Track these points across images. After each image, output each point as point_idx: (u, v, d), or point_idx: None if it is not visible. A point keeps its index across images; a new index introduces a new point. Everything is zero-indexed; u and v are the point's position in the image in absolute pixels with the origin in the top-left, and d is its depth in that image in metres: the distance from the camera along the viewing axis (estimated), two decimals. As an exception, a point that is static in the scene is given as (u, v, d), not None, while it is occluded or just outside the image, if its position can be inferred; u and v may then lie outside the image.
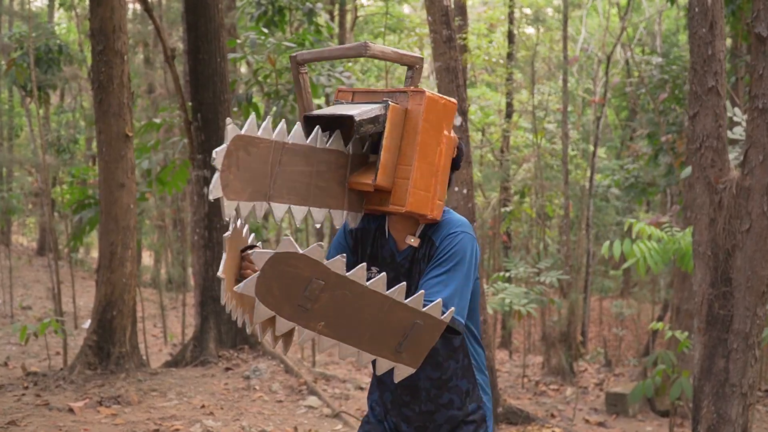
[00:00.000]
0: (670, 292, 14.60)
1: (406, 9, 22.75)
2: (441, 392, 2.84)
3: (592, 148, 15.60)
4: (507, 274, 11.60)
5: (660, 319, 15.00)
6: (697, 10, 5.49)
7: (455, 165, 2.77)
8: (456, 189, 6.97)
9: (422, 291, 2.46)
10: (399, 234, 2.82)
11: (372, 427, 3.04)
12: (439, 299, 2.47)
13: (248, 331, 2.56)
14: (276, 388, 7.90)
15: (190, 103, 8.68)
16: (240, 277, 2.62)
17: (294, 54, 2.78)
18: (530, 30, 22.56)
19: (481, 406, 2.90)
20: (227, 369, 8.31)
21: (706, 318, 5.60)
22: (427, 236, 2.76)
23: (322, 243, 2.61)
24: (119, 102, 7.61)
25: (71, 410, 6.88)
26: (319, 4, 11.09)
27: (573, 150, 16.88)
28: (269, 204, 2.53)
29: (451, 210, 2.82)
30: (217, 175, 2.40)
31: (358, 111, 2.58)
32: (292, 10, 10.96)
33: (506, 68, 17.35)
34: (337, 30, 16.43)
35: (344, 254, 2.39)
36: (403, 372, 2.49)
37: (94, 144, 23.50)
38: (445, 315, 2.46)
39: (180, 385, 7.67)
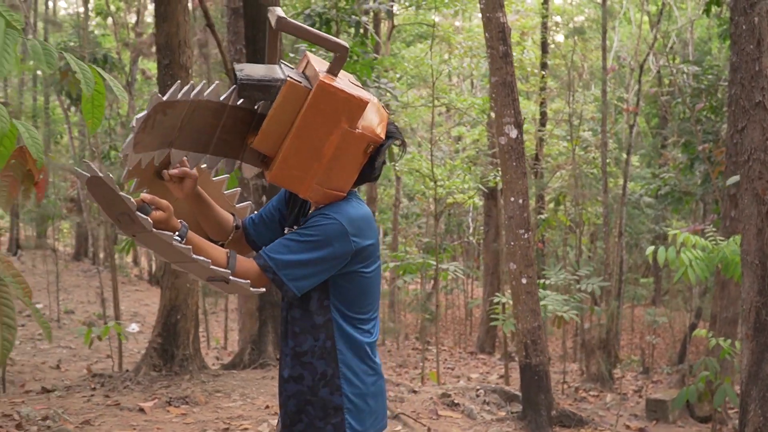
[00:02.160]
0: (704, 300, 14.76)
1: (436, 17, 22.94)
2: (295, 363, 2.84)
3: (624, 156, 15.77)
4: (544, 282, 11.78)
5: (694, 326, 15.13)
6: (744, 27, 5.70)
7: (371, 165, 2.79)
8: (512, 199, 7.20)
9: (227, 251, 2.65)
10: (312, 205, 2.88)
11: None
12: (253, 265, 2.67)
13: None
14: (333, 391, 8.13)
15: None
16: (162, 176, 2.79)
17: (268, 13, 2.81)
18: (560, 38, 22.78)
19: (336, 394, 2.80)
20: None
21: (753, 325, 5.80)
22: (309, 212, 2.85)
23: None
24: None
25: (142, 410, 7.14)
26: (365, 17, 11.36)
27: (606, 158, 17.06)
28: (170, 151, 2.66)
29: (357, 202, 2.83)
30: (131, 135, 2.52)
31: (255, 75, 2.65)
32: (338, 22, 11.22)
33: (540, 77, 17.55)
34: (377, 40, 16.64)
35: (277, 202, 2.84)
36: (219, 289, 2.69)
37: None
38: (224, 271, 2.58)
39: (242, 387, 7.93)
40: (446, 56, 26.56)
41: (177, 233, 2.59)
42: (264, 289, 2.69)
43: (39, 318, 2.32)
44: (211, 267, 2.56)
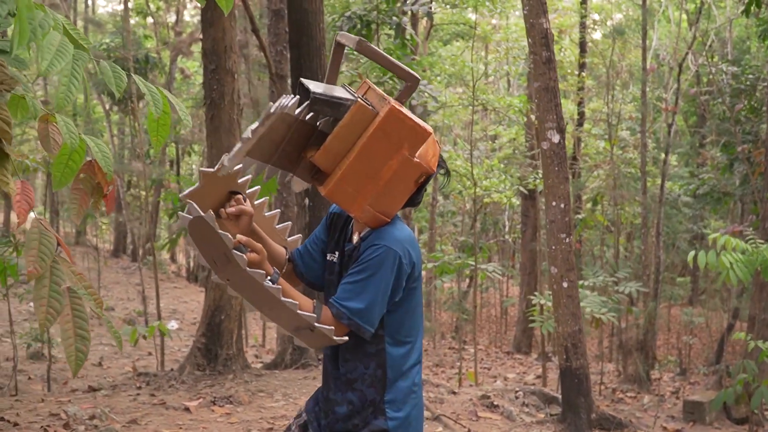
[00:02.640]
0: (741, 300, 14.69)
1: (473, 16, 22.95)
2: (346, 389, 2.91)
3: (663, 155, 15.71)
4: (582, 282, 11.78)
5: (731, 327, 15.07)
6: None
7: (418, 193, 2.87)
8: (554, 203, 7.25)
9: (296, 302, 2.66)
10: (355, 227, 2.97)
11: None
12: (329, 312, 2.74)
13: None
14: (374, 392, 8.23)
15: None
16: (218, 214, 2.87)
17: (338, 36, 2.91)
18: (597, 35, 22.70)
19: (381, 418, 2.88)
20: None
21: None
22: (362, 239, 2.88)
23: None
24: (230, 118, 8.03)
25: (187, 409, 7.27)
26: (405, 19, 11.44)
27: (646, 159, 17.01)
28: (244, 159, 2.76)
29: (401, 225, 2.90)
30: (241, 145, 2.68)
31: (327, 92, 2.73)
32: (378, 24, 11.31)
33: (579, 76, 17.53)
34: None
35: (320, 231, 2.88)
36: (301, 344, 2.77)
37: (168, 150, 24.19)
38: (328, 330, 2.68)
39: (284, 387, 8.04)
40: (482, 54, 26.58)
41: (269, 277, 2.69)
42: (347, 338, 2.78)
43: (111, 329, 2.42)
44: (298, 312, 2.65)
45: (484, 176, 15.99)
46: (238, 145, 2.68)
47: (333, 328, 2.70)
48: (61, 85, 2.35)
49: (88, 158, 2.80)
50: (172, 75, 22.31)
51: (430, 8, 12.69)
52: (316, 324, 2.68)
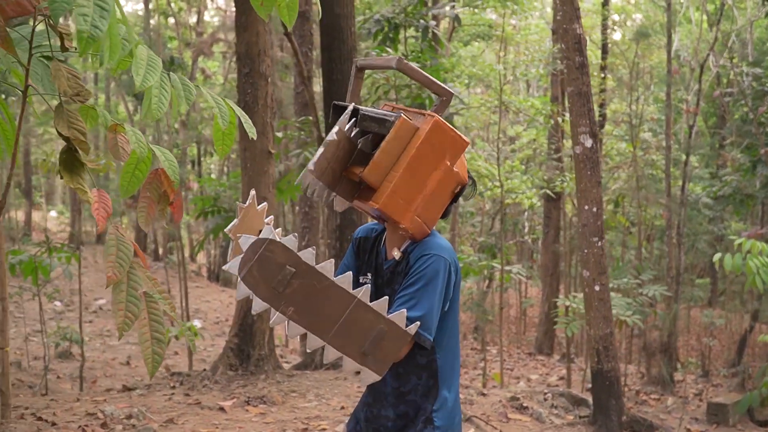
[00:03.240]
0: (762, 302, 14.69)
1: (492, 16, 22.99)
2: (399, 402, 2.95)
3: (684, 157, 15.72)
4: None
5: (751, 329, 15.09)
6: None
7: (451, 204, 2.92)
8: (586, 207, 7.30)
9: (386, 297, 2.66)
10: (390, 245, 3.00)
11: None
12: (404, 309, 2.68)
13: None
14: (406, 392, 8.30)
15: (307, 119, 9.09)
16: None
17: (356, 60, 3.00)
18: (617, 36, 22.69)
19: (429, 427, 2.92)
20: (358, 372, 8.72)
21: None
22: (407, 252, 2.90)
23: (296, 234, 2.79)
24: (263, 121, 8.11)
25: (222, 409, 7.35)
26: (433, 21, 11.50)
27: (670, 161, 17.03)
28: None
29: (439, 235, 2.94)
30: (323, 150, 2.79)
31: (369, 109, 2.80)
32: (406, 27, 11.37)
33: (601, 78, 17.54)
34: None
35: (314, 248, 2.68)
36: (368, 377, 2.68)
37: (190, 150, 24.34)
38: (409, 327, 2.65)
39: (316, 387, 8.12)
40: (502, 54, 26.55)
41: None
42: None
43: (186, 334, 2.49)
44: (373, 307, 2.63)
45: (506, 178, 16.04)
46: (321, 151, 2.75)
47: (406, 330, 2.69)
48: (153, 97, 2.43)
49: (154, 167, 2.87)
50: (193, 75, 22.42)
51: (455, 12, 12.73)
52: (393, 320, 2.64)
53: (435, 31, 11.20)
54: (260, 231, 2.83)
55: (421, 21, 11.12)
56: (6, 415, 6.67)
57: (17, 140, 2.67)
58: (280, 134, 11.00)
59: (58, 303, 15.70)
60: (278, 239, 2.55)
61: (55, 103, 2.45)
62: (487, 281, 19.48)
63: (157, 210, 2.91)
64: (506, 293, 23.43)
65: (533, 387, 11.32)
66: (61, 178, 2.42)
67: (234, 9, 8.73)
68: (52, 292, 13.07)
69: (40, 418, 7.06)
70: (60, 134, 2.28)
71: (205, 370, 8.73)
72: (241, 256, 2.56)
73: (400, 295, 2.82)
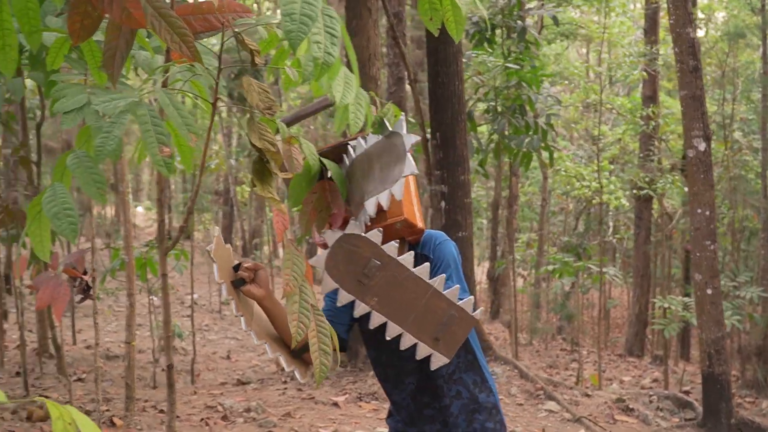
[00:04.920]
0: None
1: (576, 14, 22.87)
2: (450, 385, 3.01)
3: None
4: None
5: None
6: None
7: None
8: (699, 210, 7.31)
9: (457, 285, 2.68)
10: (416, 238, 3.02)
11: None
12: (471, 297, 2.72)
13: (255, 340, 2.72)
14: (515, 391, 8.39)
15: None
16: (237, 284, 2.75)
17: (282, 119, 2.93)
18: (700, 33, 22.37)
19: (490, 395, 3.05)
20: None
21: None
22: (418, 253, 2.95)
23: (381, 229, 2.74)
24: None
25: (336, 404, 7.53)
26: (529, 20, 11.55)
27: (755, 158, 16.79)
28: None
29: None
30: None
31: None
32: (503, 27, 11.44)
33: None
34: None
35: (397, 240, 2.73)
36: (438, 360, 2.69)
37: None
38: (476, 312, 2.69)
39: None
40: (583, 51, 26.37)
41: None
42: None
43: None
44: (443, 293, 2.68)
45: (593, 177, 15.99)
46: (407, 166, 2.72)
47: (473, 314, 2.73)
48: (350, 113, 2.57)
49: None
50: (277, 74, 22.72)
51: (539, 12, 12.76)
52: (462, 307, 2.68)
53: (532, 32, 11.24)
54: (237, 264, 2.79)
55: (518, 22, 11.18)
56: (130, 408, 6.92)
57: (205, 151, 2.82)
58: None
59: (154, 297, 16.07)
60: (363, 234, 2.65)
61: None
62: (571, 283, 19.39)
63: (318, 218, 3.03)
64: (588, 294, 23.30)
65: (627, 389, 11.29)
66: (254, 187, 2.56)
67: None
68: (156, 287, 13.41)
69: (161, 411, 7.30)
70: (252, 145, 2.41)
71: (314, 366, 8.91)
72: (327, 251, 2.67)
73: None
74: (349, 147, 2.84)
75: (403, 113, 2.96)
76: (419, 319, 2.69)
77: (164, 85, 2.52)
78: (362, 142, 2.77)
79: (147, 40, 3.09)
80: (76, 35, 2.18)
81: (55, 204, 2.33)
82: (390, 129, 2.67)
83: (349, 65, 2.67)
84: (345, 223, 2.79)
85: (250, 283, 2.74)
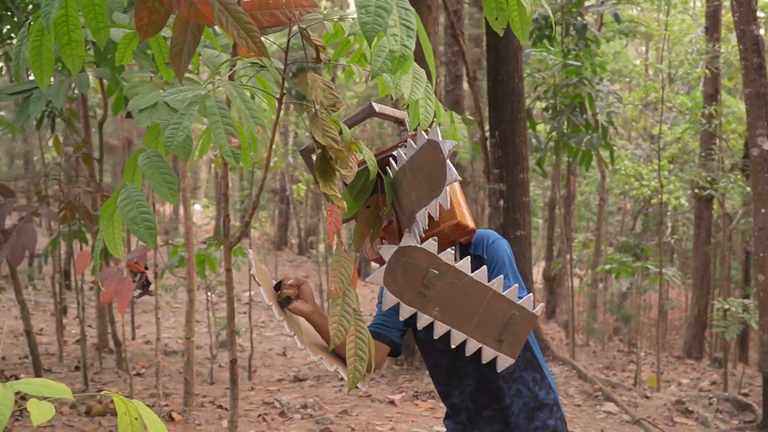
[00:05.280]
0: None
1: (635, 11, 22.62)
2: (509, 384, 2.97)
3: None
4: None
5: None
6: None
7: None
8: (762, 210, 7.18)
9: (516, 285, 2.66)
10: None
11: None
12: (530, 294, 2.68)
13: (312, 356, 2.73)
14: (572, 392, 8.32)
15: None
16: (283, 303, 2.75)
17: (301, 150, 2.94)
18: (761, 31, 21.97)
19: (551, 392, 3.03)
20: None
21: None
22: (471, 254, 2.89)
23: (436, 238, 2.71)
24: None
25: (392, 402, 7.53)
26: (589, 18, 11.44)
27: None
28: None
29: None
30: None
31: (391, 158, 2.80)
32: (563, 24, 11.35)
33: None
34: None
35: (452, 248, 2.65)
36: (504, 361, 2.67)
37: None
38: (536, 309, 2.65)
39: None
40: (642, 50, 26.06)
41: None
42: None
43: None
44: (503, 294, 2.66)
45: (652, 177, 15.79)
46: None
47: (534, 312, 2.71)
48: (420, 108, 2.56)
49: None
50: (334, 72, 22.81)
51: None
52: (523, 305, 2.66)
53: (593, 29, 11.13)
54: (277, 283, 2.81)
55: (578, 19, 11.08)
56: (189, 403, 6.97)
57: (272, 144, 2.81)
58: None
59: (211, 294, 16.21)
60: (419, 245, 2.62)
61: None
62: (627, 283, 19.19)
63: (372, 234, 2.99)
64: (644, 295, 23.04)
65: (685, 391, 11.13)
66: (316, 183, 2.55)
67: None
68: (217, 284, 13.53)
69: (220, 406, 7.36)
70: (316, 142, 2.41)
71: (370, 363, 8.92)
72: (384, 266, 2.65)
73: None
74: (390, 159, 2.80)
75: (437, 121, 2.92)
76: (481, 322, 2.68)
77: (231, 79, 2.53)
78: (402, 153, 2.72)
79: (216, 36, 3.11)
80: (144, 30, 2.19)
81: (131, 208, 2.34)
82: (426, 137, 2.60)
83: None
84: (399, 236, 2.80)
85: (296, 300, 2.75)
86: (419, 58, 2.61)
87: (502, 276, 2.66)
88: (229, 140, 2.29)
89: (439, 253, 2.68)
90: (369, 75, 2.87)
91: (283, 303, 2.73)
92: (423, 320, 2.64)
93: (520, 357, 2.99)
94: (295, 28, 2.47)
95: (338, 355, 2.84)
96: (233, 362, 2.85)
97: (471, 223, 2.84)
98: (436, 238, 2.66)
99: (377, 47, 2.31)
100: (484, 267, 2.65)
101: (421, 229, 2.62)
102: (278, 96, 2.51)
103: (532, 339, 3.06)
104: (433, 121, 2.77)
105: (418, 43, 2.38)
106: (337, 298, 2.37)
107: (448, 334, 2.67)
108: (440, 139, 2.55)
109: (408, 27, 2.14)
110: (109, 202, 2.41)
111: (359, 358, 2.40)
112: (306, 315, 2.79)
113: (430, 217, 2.65)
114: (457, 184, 2.85)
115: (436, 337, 2.66)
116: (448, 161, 2.52)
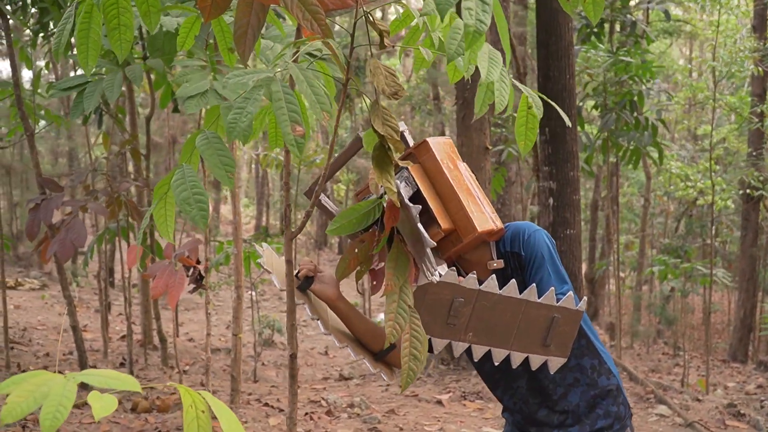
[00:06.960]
0: None
1: (679, 11, 22.37)
2: (564, 374, 2.87)
3: None
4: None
5: None
6: None
7: None
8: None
9: (552, 287, 2.57)
10: (478, 267, 2.84)
11: None
12: (570, 292, 2.61)
13: (336, 343, 2.70)
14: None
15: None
16: (303, 285, 2.73)
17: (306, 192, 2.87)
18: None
19: (611, 377, 2.92)
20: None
21: None
22: (507, 252, 2.82)
23: (454, 267, 2.69)
24: (481, 117, 8.14)
25: (440, 402, 7.44)
26: (639, 15, 11.27)
27: None
28: None
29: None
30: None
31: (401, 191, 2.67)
32: (612, 22, 11.20)
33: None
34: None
35: (474, 272, 2.54)
36: (555, 363, 2.62)
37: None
38: (579, 305, 2.59)
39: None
40: (685, 50, 25.75)
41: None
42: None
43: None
44: (542, 302, 2.60)
45: (697, 178, 15.58)
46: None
47: (577, 309, 2.64)
48: (496, 91, 2.45)
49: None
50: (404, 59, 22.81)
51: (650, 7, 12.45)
52: (563, 306, 2.60)
53: (643, 26, 10.96)
54: (298, 271, 2.77)
55: (628, 16, 10.92)
56: (235, 400, 6.94)
57: (336, 130, 2.73)
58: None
59: (253, 293, 16.22)
60: (438, 279, 2.49)
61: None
62: (670, 286, 18.95)
63: (357, 271, 2.87)
64: (687, 297, 22.75)
65: (732, 395, 10.94)
66: (372, 175, 2.46)
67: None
68: (259, 282, 13.53)
69: (266, 404, 7.31)
70: (375, 132, 2.32)
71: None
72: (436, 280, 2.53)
73: (536, 281, 2.76)
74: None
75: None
76: (522, 334, 2.61)
77: (295, 61, 2.45)
78: (402, 188, 2.63)
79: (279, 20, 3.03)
80: (207, 11, 2.12)
81: (185, 188, 2.28)
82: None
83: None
84: (414, 278, 2.69)
85: (318, 282, 2.72)
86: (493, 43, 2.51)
87: (534, 286, 2.57)
88: (294, 128, 2.21)
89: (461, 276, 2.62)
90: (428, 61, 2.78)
91: (304, 285, 2.70)
92: (458, 348, 2.55)
93: (574, 346, 2.88)
94: (360, 11, 2.39)
95: (363, 345, 2.81)
96: (293, 357, 2.77)
97: (493, 225, 2.73)
98: (454, 268, 2.57)
99: (451, 30, 2.22)
100: (513, 281, 2.56)
101: (434, 271, 2.48)
102: (343, 82, 2.42)
103: (587, 324, 2.95)
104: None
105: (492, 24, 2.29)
106: (393, 294, 2.29)
107: (489, 353, 2.60)
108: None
109: (484, 2, 2.04)
110: (164, 181, 2.35)
111: (414, 358, 2.32)
112: (329, 299, 2.75)
113: (449, 234, 2.65)
114: (466, 171, 2.80)
115: (475, 360, 2.60)
116: (420, 227, 2.39)
